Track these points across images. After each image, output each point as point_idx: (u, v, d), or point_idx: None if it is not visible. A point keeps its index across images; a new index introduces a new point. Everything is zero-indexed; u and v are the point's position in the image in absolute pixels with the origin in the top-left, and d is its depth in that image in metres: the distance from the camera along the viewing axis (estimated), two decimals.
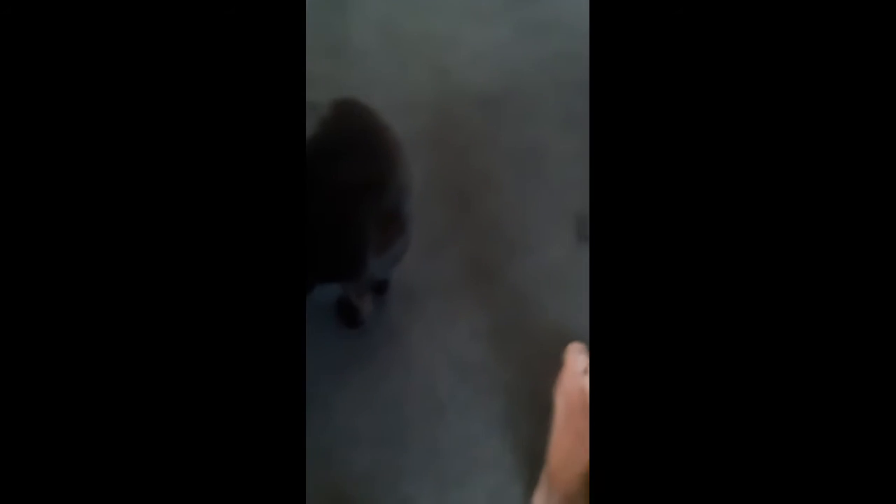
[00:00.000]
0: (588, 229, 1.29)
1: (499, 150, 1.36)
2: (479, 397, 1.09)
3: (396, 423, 1.07)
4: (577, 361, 0.99)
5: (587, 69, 1.51)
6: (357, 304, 1.12)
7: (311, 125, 0.86)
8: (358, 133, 0.91)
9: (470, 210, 1.29)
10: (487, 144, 1.37)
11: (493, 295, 1.18)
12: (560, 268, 1.22)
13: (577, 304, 1.17)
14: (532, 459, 1.02)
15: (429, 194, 1.28)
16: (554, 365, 1.06)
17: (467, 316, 1.17)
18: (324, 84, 1.44)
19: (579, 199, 1.28)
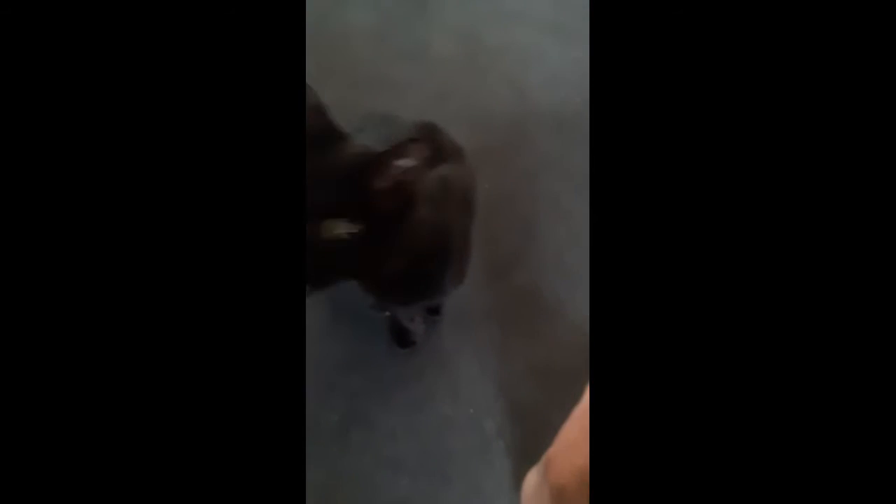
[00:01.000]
0: None
1: (570, 175, 1.31)
2: (528, 439, 1.04)
3: (439, 452, 1.03)
4: None
5: None
6: (408, 325, 1.09)
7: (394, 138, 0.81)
8: (441, 157, 0.87)
9: (535, 237, 1.24)
10: (559, 168, 1.32)
11: (551, 331, 1.13)
12: None
13: None
14: None
15: (494, 216, 1.23)
16: None
17: (522, 350, 1.12)
18: (398, 88, 1.41)
19: None
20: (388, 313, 1.10)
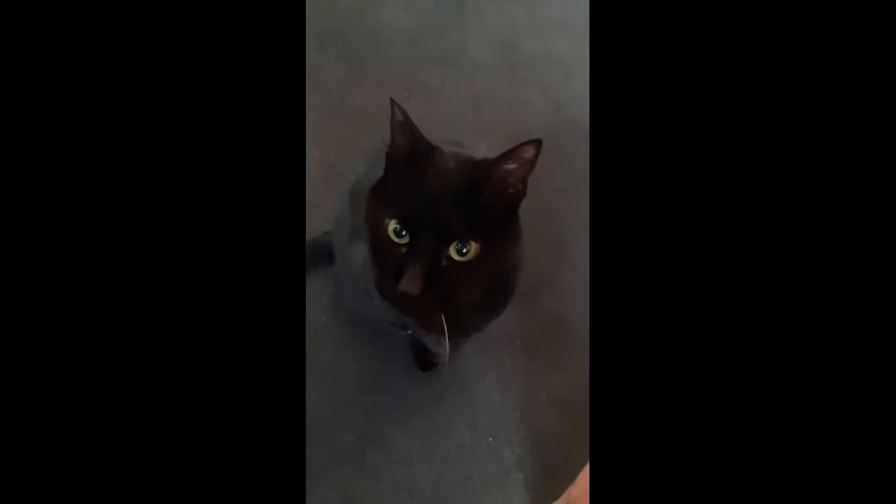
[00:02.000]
0: None
1: None
2: (548, 472, 1.01)
3: (456, 480, 1.00)
4: None
5: None
6: (432, 347, 1.06)
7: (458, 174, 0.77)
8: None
9: (567, 258, 1.19)
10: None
11: (578, 361, 1.09)
12: None
13: None
14: None
15: (525, 235, 1.19)
16: None
17: (547, 379, 1.08)
18: (432, 93, 1.37)
19: None
20: (409, 331, 1.07)
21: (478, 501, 0.99)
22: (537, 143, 0.65)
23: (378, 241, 0.68)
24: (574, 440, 1.03)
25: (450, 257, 0.65)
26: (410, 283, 0.63)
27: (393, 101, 0.67)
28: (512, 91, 1.40)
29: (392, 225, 0.65)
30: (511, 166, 0.66)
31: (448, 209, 0.63)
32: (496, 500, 0.99)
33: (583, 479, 0.88)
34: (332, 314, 1.12)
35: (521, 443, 1.03)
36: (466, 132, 1.32)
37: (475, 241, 0.64)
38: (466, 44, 1.45)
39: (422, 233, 0.64)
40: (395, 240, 0.66)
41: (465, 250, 0.64)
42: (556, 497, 0.96)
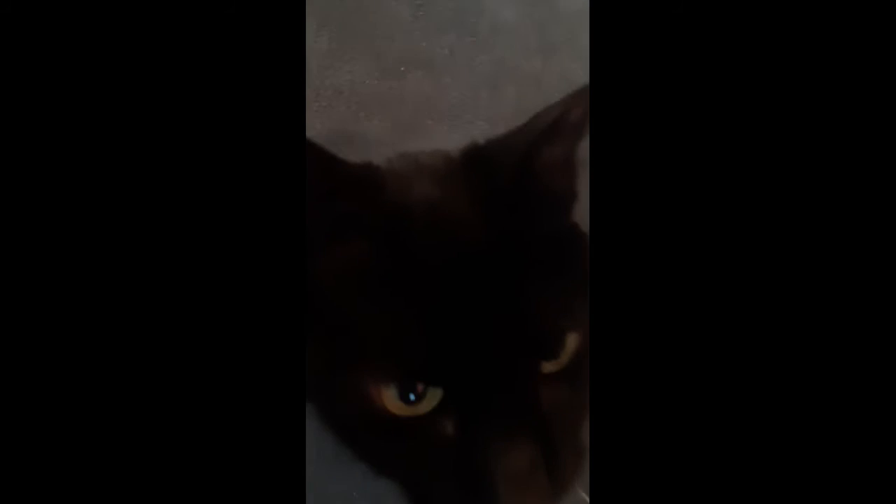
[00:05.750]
0: None
1: None
2: None
3: None
4: None
5: None
6: None
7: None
8: None
9: None
10: None
11: None
12: None
13: None
14: None
15: None
16: None
17: None
18: (438, 67, 1.08)
19: None
20: None
21: None
22: (582, 96, 0.35)
23: (359, 433, 0.37)
24: None
25: (536, 380, 0.35)
26: (528, 484, 0.32)
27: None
28: (542, 61, 1.09)
29: (394, 390, 0.35)
30: (557, 150, 0.36)
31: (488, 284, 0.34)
32: None
33: None
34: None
35: None
36: (480, 116, 1.03)
37: (572, 332, 0.35)
38: (483, 1, 1.15)
39: (469, 365, 0.33)
40: (403, 411, 0.35)
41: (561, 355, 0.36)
42: None
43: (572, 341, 0.36)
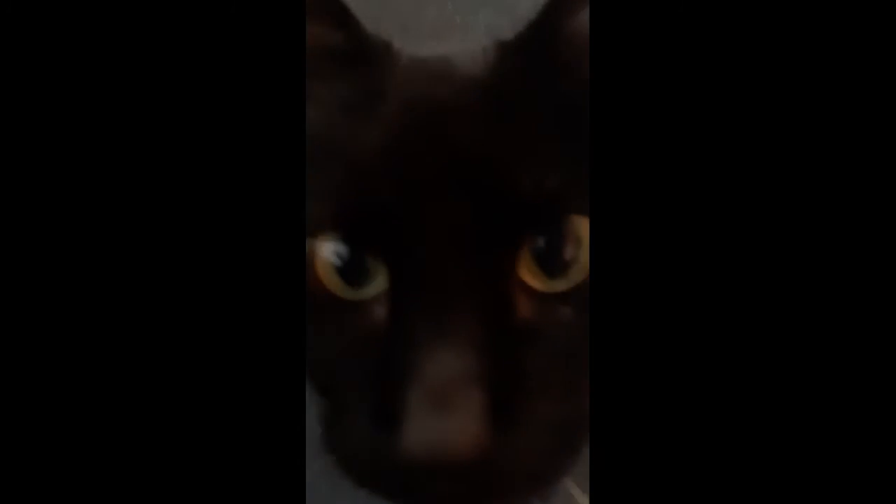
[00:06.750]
0: None
1: None
2: None
3: None
4: None
5: None
6: None
7: None
8: None
9: None
10: None
11: None
12: None
13: None
14: None
15: None
16: None
17: None
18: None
19: None
20: None
21: None
22: None
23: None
24: None
25: (525, 295, 0.27)
26: (459, 427, 0.24)
27: None
28: None
29: (330, 248, 0.28)
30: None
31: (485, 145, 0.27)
32: None
33: None
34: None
35: None
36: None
37: (579, 214, 0.27)
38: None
39: (430, 248, 0.26)
40: (345, 293, 0.28)
41: (564, 256, 0.27)
42: None
43: (578, 224, 0.27)
